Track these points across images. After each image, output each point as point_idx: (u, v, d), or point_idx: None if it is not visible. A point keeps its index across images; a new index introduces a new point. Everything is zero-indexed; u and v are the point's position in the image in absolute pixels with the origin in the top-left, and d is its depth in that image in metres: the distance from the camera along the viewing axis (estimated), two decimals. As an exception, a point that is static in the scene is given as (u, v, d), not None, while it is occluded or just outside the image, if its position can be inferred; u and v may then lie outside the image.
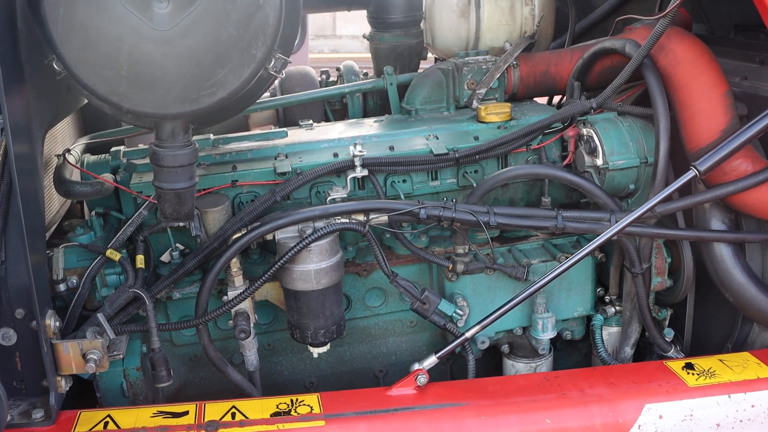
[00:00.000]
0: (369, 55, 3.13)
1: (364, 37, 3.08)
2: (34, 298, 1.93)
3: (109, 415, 2.04)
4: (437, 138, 2.52)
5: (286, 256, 2.16)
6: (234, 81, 1.82)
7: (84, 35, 1.73)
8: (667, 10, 2.19)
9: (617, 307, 2.59)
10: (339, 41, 13.10)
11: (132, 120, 2.06)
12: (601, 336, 2.60)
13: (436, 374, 2.38)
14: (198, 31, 1.75)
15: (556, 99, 3.26)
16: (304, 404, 2.10)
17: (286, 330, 2.42)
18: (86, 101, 2.56)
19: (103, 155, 2.55)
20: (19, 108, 1.88)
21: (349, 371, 2.65)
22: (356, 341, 2.62)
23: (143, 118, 1.98)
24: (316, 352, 2.36)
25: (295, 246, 2.15)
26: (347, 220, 2.24)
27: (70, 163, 2.37)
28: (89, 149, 2.66)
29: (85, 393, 2.35)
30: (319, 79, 3.13)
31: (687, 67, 2.28)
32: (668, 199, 2.24)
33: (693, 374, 2.24)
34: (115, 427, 2.00)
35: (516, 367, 2.57)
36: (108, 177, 2.38)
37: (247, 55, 1.80)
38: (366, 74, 3.16)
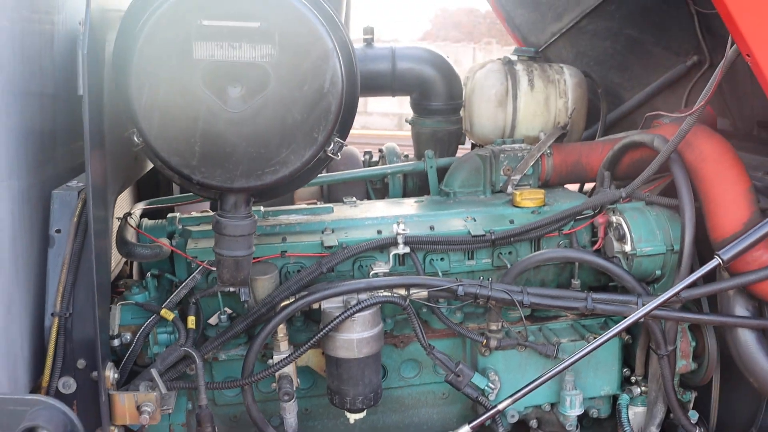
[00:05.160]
0: (397, 132, 3.28)
1: (406, 121, 3.24)
2: (98, 349, 2.06)
3: (156, 467, 2.15)
4: (474, 220, 2.65)
5: (332, 324, 2.28)
6: (296, 161, 1.98)
7: (164, 113, 1.90)
8: (694, 109, 2.34)
9: (643, 388, 2.64)
10: (369, 118, 13.48)
11: (199, 191, 2.21)
12: (627, 415, 2.64)
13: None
14: (266, 114, 1.92)
15: (588, 186, 3.40)
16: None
17: (324, 396, 2.51)
18: (147, 171, 2.76)
19: (160, 220, 2.69)
20: (99, 173, 2.04)
21: (382, 440, 2.72)
22: (390, 410, 2.69)
23: (210, 190, 2.14)
24: (352, 418, 2.45)
25: (340, 315, 2.27)
26: (389, 294, 2.36)
27: (132, 226, 2.53)
28: (145, 214, 2.82)
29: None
30: (363, 158, 3.29)
31: (713, 164, 2.40)
32: (693, 285, 2.34)
33: (715, 459, 2.30)
34: (162, 480, 2.11)
35: (543, 443, 2.63)
36: (165, 241, 2.51)
37: (310, 138, 1.97)
38: (407, 156, 3.31)
